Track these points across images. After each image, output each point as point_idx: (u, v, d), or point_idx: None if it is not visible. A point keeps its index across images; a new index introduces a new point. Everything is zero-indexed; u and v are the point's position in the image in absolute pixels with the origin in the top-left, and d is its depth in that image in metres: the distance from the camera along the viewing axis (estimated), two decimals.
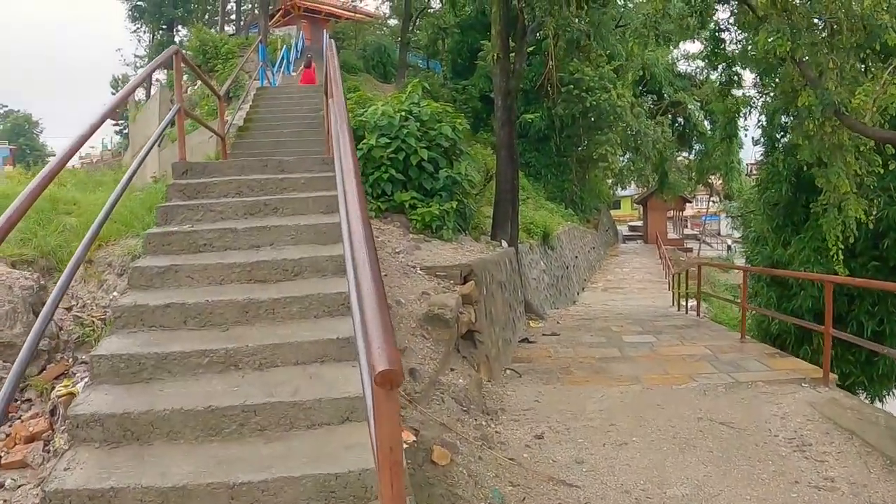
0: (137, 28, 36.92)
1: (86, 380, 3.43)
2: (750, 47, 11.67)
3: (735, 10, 11.52)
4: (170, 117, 5.30)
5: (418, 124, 7.87)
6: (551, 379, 6.40)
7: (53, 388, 3.63)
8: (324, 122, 9.35)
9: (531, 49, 18.17)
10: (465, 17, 25.92)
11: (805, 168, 10.42)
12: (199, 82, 17.76)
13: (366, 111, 8.00)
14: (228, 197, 5.04)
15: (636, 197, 47.05)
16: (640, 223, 48.81)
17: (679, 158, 35.25)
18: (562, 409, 5.38)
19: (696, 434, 4.86)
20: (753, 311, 11.71)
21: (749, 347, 8.23)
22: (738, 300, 14.74)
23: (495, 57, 10.54)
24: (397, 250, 6.16)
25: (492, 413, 4.87)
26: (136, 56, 41.83)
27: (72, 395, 3.37)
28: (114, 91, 50.90)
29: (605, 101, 23.30)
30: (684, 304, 14.98)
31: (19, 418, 3.57)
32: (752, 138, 17.90)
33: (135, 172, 4.23)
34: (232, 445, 2.87)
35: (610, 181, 35.70)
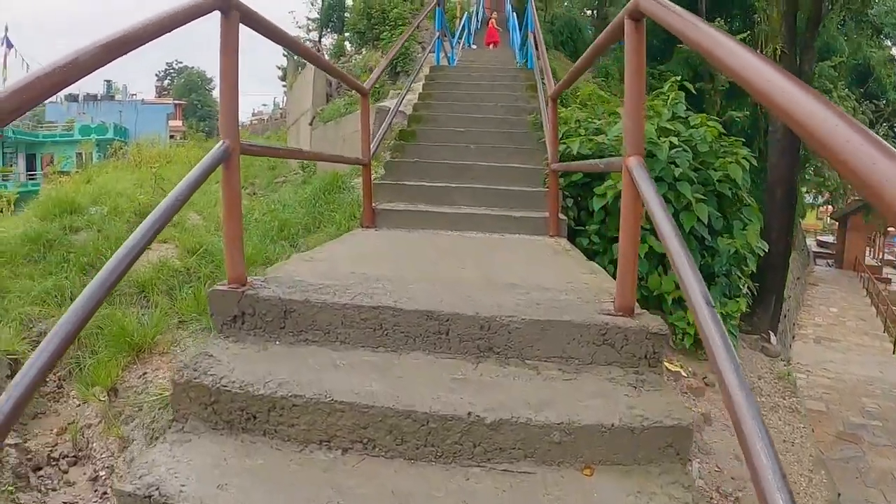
0: None
1: None
2: None
3: None
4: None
5: (690, 157, 4.92)
6: None
7: None
8: (534, 133, 6.60)
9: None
10: None
11: None
12: (364, 49, 15.63)
13: (608, 131, 5.17)
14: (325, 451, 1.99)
15: (833, 213, 40.54)
16: (830, 239, 43.00)
17: None
18: None
19: None
20: None
21: None
22: None
23: (777, 52, 7.27)
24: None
25: None
26: (308, 19, 41.21)
27: None
28: (284, 54, 51.29)
29: None
30: None
31: None
32: None
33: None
34: None
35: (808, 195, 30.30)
